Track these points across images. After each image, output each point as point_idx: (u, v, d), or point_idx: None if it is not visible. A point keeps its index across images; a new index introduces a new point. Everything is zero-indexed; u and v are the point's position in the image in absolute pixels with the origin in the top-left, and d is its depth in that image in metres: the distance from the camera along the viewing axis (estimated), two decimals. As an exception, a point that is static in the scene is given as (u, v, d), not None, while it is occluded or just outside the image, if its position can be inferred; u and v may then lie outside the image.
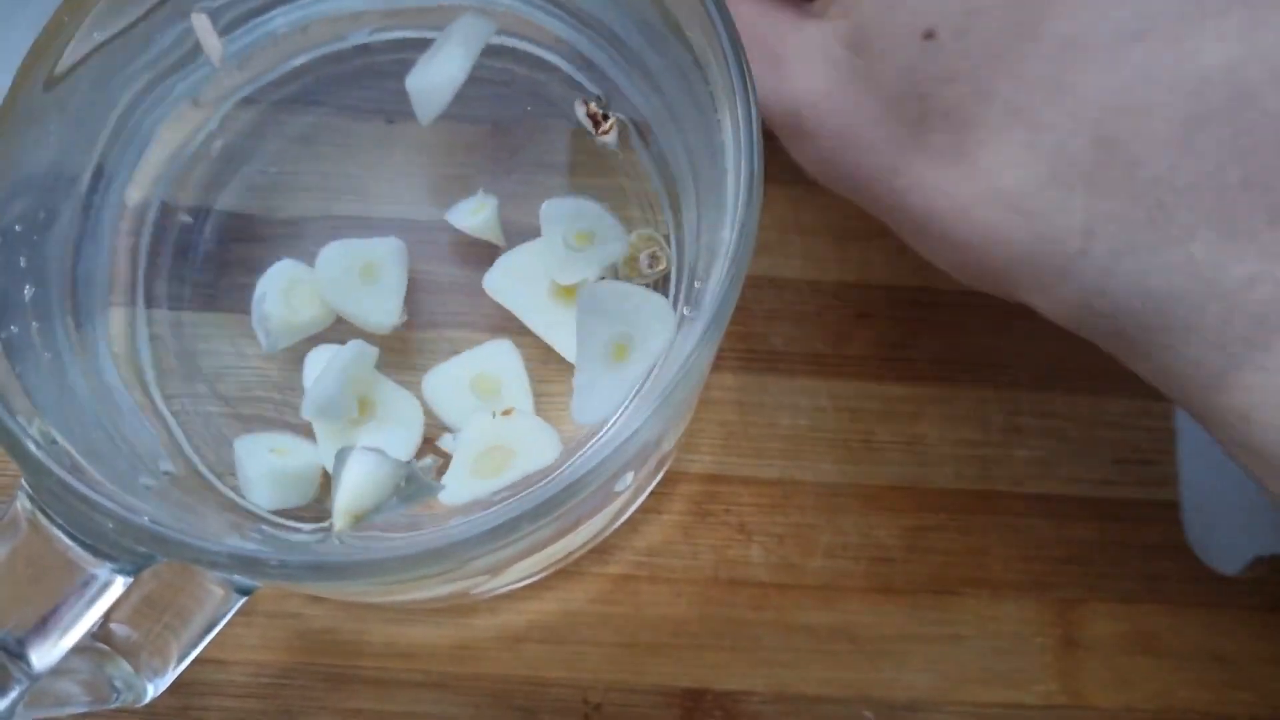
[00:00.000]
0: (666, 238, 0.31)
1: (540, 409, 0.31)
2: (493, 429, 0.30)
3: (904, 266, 0.34)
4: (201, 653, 0.30)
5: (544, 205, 0.30)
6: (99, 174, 0.29)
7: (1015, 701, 0.32)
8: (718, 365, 0.34)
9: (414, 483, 0.26)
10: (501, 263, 0.31)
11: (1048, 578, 0.33)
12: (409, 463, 0.26)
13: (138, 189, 0.31)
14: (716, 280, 0.23)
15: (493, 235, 0.31)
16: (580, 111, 0.30)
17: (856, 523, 0.33)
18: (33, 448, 0.22)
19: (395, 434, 0.30)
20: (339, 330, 0.31)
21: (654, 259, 0.30)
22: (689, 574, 0.32)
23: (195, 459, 0.29)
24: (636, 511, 0.32)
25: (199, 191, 0.32)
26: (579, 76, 0.32)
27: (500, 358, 0.31)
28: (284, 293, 0.30)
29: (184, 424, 0.29)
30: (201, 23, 0.30)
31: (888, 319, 0.34)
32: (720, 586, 0.32)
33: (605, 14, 0.30)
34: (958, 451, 0.33)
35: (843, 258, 0.34)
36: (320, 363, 0.30)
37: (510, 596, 0.32)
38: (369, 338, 0.30)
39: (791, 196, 0.35)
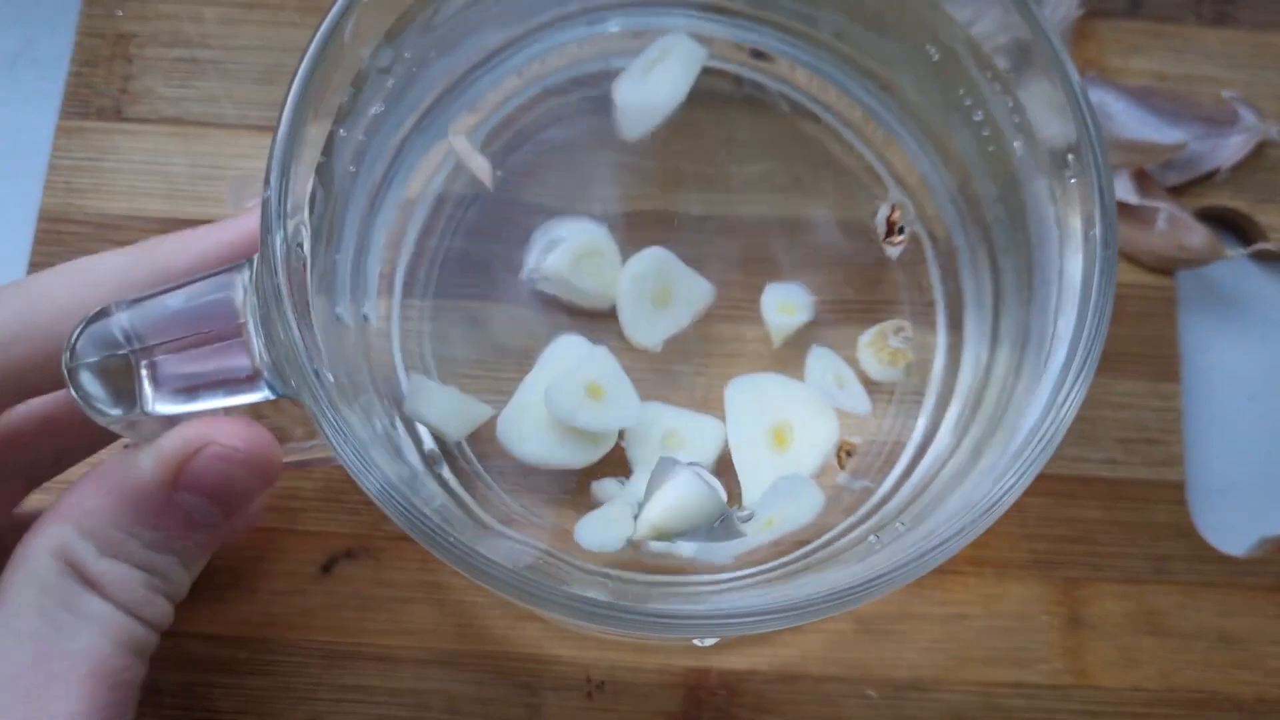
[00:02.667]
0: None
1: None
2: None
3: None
4: (206, 629, 0.30)
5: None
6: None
7: (1020, 681, 0.32)
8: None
9: (725, 525, 0.27)
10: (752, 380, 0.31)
11: (1053, 557, 0.32)
12: (731, 510, 0.27)
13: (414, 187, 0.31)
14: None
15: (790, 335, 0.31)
16: (882, 213, 0.29)
17: (860, 502, 0.33)
18: (279, 243, 0.22)
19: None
20: (585, 325, 0.31)
21: (899, 330, 0.30)
22: (692, 552, 0.32)
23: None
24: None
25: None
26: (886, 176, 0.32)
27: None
28: (576, 253, 0.30)
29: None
30: (461, 144, 0.31)
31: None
32: (724, 565, 0.32)
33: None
34: (962, 430, 0.33)
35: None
36: (564, 350, 0.30)
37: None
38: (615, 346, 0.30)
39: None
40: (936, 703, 0.31)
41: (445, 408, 0.29)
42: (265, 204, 0.22)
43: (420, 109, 0.29)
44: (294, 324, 0.22)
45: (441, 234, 0.32)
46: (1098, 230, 0.23)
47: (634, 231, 0.31)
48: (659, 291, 0.30)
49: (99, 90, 0.35)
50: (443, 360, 0.31)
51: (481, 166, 0.31)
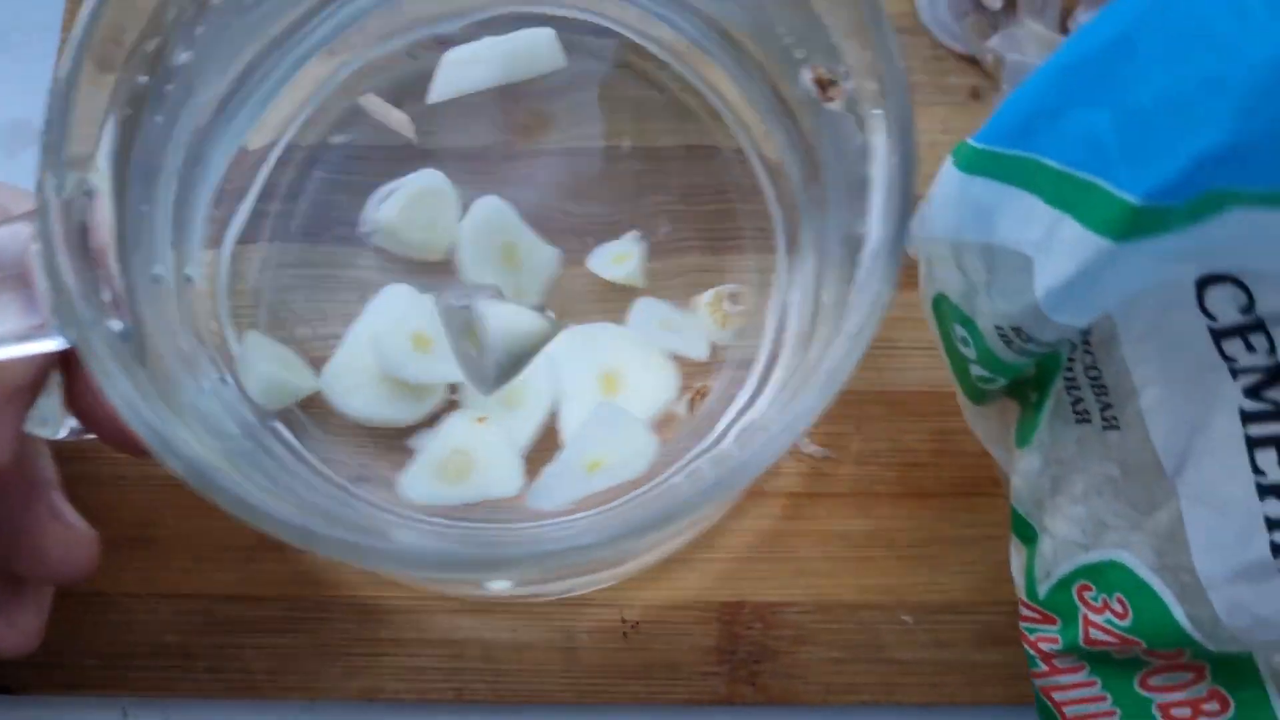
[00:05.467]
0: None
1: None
2: (462, 433, 0.29)
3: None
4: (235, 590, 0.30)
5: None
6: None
7: (1053, 597, 0.32)
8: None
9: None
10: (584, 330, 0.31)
11: (1078, 474, 0.33)
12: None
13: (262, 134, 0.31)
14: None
15: (636, 280, 0.31)
16: (806, 76, 0.28)
17: (885, 429, 0.33)
18: (51, 189, 0.22)
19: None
20: (423, 278, 0.30)
21: (733, 298, 0.30)
22: (720, 488, 0.32)
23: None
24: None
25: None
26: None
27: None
28: (412, 199, 0.30)
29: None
30: (372, 103, 0.30)
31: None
32: (753, 498, 0.32)
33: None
34: (982, 353, 0.33)
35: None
36: (391, 301, 0.30)
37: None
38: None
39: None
40: (972, 624, 0.31)
41: (264, 378, 0.29)
42: (44, 149, 0.22)
43: (239, 65, 0.29)
44: (68, 272, 0.22)
45: (283, 190, 0.31)
46: (896, 159, 0.24)
47: (473, 179, 0.31)
48: (505, 246, 0.30)
49: None
50: (274, 320, 0.31)
51: (400, 120, 0.30)
